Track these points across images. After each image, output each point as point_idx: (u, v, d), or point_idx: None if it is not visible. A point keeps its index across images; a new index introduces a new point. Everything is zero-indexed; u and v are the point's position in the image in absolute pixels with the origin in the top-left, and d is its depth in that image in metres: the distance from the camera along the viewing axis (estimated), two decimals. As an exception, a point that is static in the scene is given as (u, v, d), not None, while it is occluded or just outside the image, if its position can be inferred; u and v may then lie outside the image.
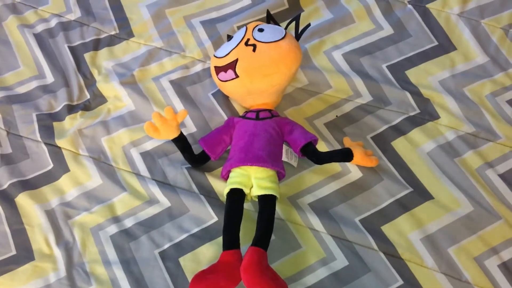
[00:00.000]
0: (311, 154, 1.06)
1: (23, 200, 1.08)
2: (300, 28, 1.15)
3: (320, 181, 1.09)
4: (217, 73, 1.11)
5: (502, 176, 1.08)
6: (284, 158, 1.08)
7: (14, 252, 1.03)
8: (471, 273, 0.97)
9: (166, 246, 1.02)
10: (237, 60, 1.07)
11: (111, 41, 1.31)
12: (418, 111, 1.18)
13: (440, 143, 1.13)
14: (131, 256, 1.02)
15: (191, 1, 1.36)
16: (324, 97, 1.21)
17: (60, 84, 1.24)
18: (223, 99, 1.21)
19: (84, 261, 1.01)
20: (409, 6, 1.33)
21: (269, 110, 1.11)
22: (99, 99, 1.23)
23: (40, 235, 1.04)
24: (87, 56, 1.28)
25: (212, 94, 1.22)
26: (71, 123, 1.18)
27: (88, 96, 1.23)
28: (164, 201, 1.07)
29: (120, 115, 1.19)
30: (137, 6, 1.36)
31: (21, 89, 1.24)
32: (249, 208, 1.06)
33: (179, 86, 1.23)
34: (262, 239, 0.96)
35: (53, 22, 1.34)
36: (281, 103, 1.19)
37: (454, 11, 1.32)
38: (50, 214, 1.07)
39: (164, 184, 1.09)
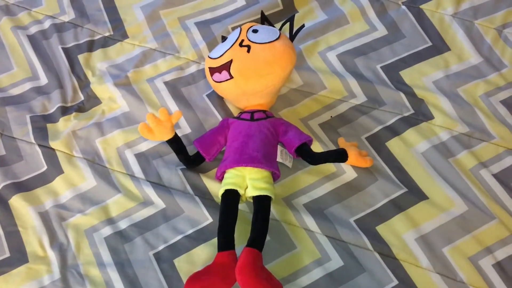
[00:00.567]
0: (306, 155, 1.06)
1: (16, 202, 1.07)
2: (295, 29, 1.15)
3: (315, 182, 1.09)
4: (212, 74, 1.11)
5: (496, 176, 1.09)
6: (278, 159, 1.08)
7: (8, 254, 1.02)
8: (465, 273, 0.97)
9: (160, 247, 1.02)
10: (231, 61, 1.07)
11: (105, 42, 1.31)
12: (412, 111, 1.18)
13: (434, 143, 1.13)
14: (126, 258, 1.01)
15: (186, 2, 1.36)
16: (318, 98, 1.21)
17: (54, 86, 1.24)
18: (218, 100, 1.21)
19: (78, 263, 1.01)
20: (403, 7, 1.34)
21: (264, 111, 1.11)
22: (93, 100, 1.22)
23: (34, 237, 1.04)
24: (81, 57, 1.28)
25: (207, 95, 1.21)
26: (65, 125, 1.18)
27: (82, 98, 1.23)
28: (158, 203, 1.07)
29: (114, 116, 1.19)
30: (131, 8, 1.36)
31: (15, 91, 1.24)
32: (244, 209, 1.06)
33: (174, 87, 1.23)
34: (257, 240, 0.95)
35: (47, 24, 1.33)
36: (276, 104, 1.19)
37: (447, 11, 1.32)
38: (44, 216, 1.06)
39: (159, 186, 1.09)
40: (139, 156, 1.13)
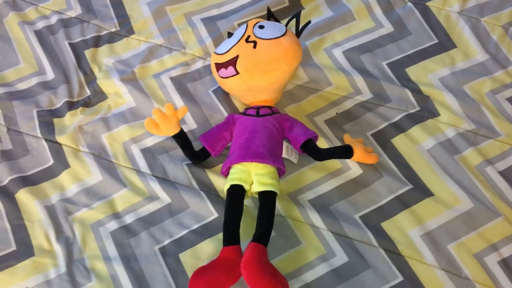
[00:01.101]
0: (312, 151, 1.06)
1: (23, 196, 1.08)
2: (301, 25, 1.16)
3: (320, 178, 1.09)
4: (218, 70, 1.11)
5: (502, 173, 1.09)
6: (284, 155, 1.08)
7: (14, 248, 1.02)
8: (471, 270, 0.97)
9: (166, 242, 1.02)
10: (237, 56, 1.07)
11: (112, 38, 1.31)
12: (418, 108, 1.18)
13: (440, 140, 1.13)
14: (131, 252, 1.02)
15: (192, -2, 1.37)
16: (324, 94, 1.21)
17: (61, 81, 1.24)
18: (224, 96, 1.21)
19: (84, 257, 1.01)
20: (409, 4, 1.34)
21: (269, 107, 1.11)
22: (99, 95, 1.23)
23: (40, 231, 1.04)
24: (87, 53, 1.28)
25: (213, 91, 1.22)
26: (71, 120, 1.18)
27: (89, 93, 1.23)
28: (164, 198, 1.07)
29: (120, 111, 1.19)
30: (138, 3, 1.36)
31: (22, 86, 1.24)
32: (249, 205, 1.06)
33: (180, 83, 1.23)
34: (262, 235, 0.96)
35: (54, 19, 1.34)
36: (281, 100, 1.19)
37: (454, 9, 1.32)
38: (50, 210, 1.07)
39: (165, 181, 1.09)
40: (145, 151, 1.14)
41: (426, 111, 1.17)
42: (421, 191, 1.07)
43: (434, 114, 1.17)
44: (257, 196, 1.02)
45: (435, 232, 1.01)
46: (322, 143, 1.12)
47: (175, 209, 1.06)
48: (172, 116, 1.02)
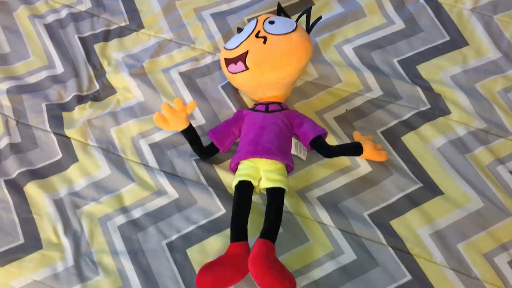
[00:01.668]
0: (321, 148, 1.05)
1: (31, 189, 1.08)
2: (311, 21, 1.15)
3: (329, 175, 1.08)
4: (227, 65, 1.11)
5: (513, 173, 1.08)
6: (293, 151, 1.07)
7: (22, 240, 1.03)
8: (480, 270, 0.96)
9: (173, 237, 1.02)
10: (247, 52, 1.07)
11: (121, 32, 1.31)
12: (429, 106, 1.17)
13: (450, 139, 1.12)
14: (139, 247, 1.01)
15: (202, -7, 1.36)
16: (334, 91, 1.20)
17: (70, 75, 1.24)
18: (233, 91, 1.20)
19: (91, 251, 1.01)
20: (421, 1, 1.32)
21: (279, 103, 1.11)
22: (108, 90, 1.23)
23: (48, 224, 1.04)
24: (97, 47, 1.28)
25: (222, 87, 1.21)
26: (80, 114, 1.18)
27: (98, 87, 1.23)
28: (172, 193, 1.07)
29: (129, 106, 1.19)
30: (148, -2, 1.36)
31: (31, 79, 1.24)
32: (257, 201, 1.05)
33: (189, 78, 1.22)
34: (270, 232, 0.95)
35: (64, 13, 1.34)
36: (291, 96, 1.18)
37: (466, 6, 1.30)
38: (59, 204, 1.07)
39: (173, 176, 1.09)
40: (153, 146, 1.13)
41: (437, 109, 1.16)
42: (431, 189, 1.06)
43: (445, 112, 1.16)
44: (265, 192, 1.02)
45: (444, 231, 1.00)
46: (331, 140, 1.11)
47: (183, 204, 1.06)
48: (181, 111, 1.02)
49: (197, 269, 0.97)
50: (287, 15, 1.18)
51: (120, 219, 1.05)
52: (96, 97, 1.22)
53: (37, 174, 1.10)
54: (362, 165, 1.09)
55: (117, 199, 1.07)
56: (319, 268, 0.97)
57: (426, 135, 1.13)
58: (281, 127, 1.06)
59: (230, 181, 1.06)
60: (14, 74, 1.25)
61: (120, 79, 1.23)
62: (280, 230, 0.99)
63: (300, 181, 1.08)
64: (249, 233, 0.97)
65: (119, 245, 1.02)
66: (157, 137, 1.15)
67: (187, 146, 1.11)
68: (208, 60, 1.25)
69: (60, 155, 1.13)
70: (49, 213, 1.06)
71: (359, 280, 0.96)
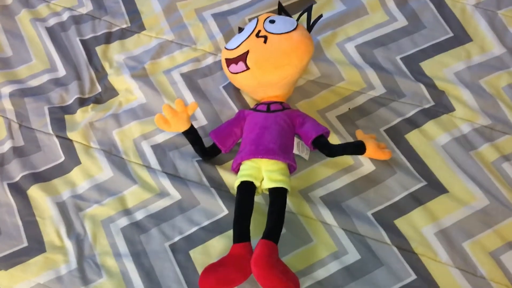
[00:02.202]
0: (323, 147, 1.04)
1: (35, 192, 1.08)
2: (312, 19, 1.14)
3: (332, 174, 1.07)
4: (228, 65, 1.10)
5: (519, 170, 1.06)
6: (295, 151, 1.07)
7: (26, 244, 1.03)
8: (486, 268, 0.95)
9: (176, 238, 1.02)
10: (248, 52, 1.06)
11: (123, 34, 1.31)
12: (432, 103, 1.15)
13: (455, 136, 1.11)
14: (142, 249, 1.01)
15: (203, -7, 1.36)
16: (336, 90, 1.20)
17: (72, 77, 1.24)
18: (234, 91, 1.20)
19: (95, 253, 1.01)
20: (424, -3, 1.31)
21: (280, 103, 1.10)
22: (110, 92, 1.23)
23: (51, 227, 1.05)
24: (98, 49, 1.28)
25: (223, 87, 1.21)
26: (82, 116, 1.18)
27: (100, 89, 1.23)
28: (174, 194, 1.07)
29: (131, 108, 1.19)
30: (149, -1, 1.36)
31: (33, 82, 1.25)
32: (260, 201, 1.05)
33: (190, 79, 1.22)
34: (272, 232, 0.95)
35: (65, 16, 1.34)
36: (293, 95, 1.17)
37: (469, 1, 1.29)
38: (62, 206, 1.07)
39: (175, 177, 1.09)
40: (156, 148, 1.13)
41: (441, 106, 1.15)
42: (435, 187, 1.05)
43: (449, 109, 1.14)
44: (267, 192, 1.01)
45: (449, 230, 0.99)
46: (334, 139, 1.10)
47: (185, 205, 1.06)
48: (182, 112, 1.02)
49: (200, 271, 0.97)
50: (288, 14, 1.17)
51: (123, 221, 1.05)
52: (98, 100, 1.22)
53: (40, 177, 1.11)
54: (365, 164, 1.08)
55: (119, 201, 1.07)
56: (322, 268, 0.97)
57: (430, 132, 1.11)
58: (283, 126, 1.05)
59: (233, 181, 1.06)
60: (16, 78, 1.25)
61: (122, 81, 1.23)
62: (283, 230, 0.99)
63: (302, 181, 1.07)
64: (252, 234, 0.96)
65: (122, 247, 1.02)
66: (159, 138, 1.14)
67: (189, 147, 1.10)
68: (209, 60, 1.25)
69: (62, 158, 1.13)
70: (52, 216, 1.06)
71: (363, 280, 0.95)
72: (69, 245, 1.02)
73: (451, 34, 1.25)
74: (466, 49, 1.23)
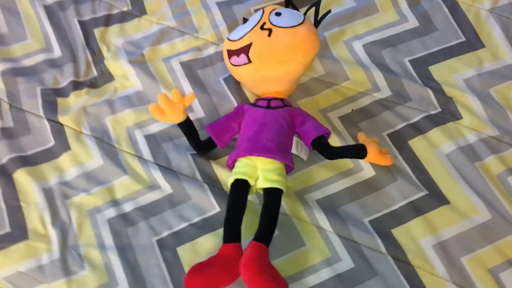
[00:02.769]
0: (323, 148, 1.00)
1: (21, 176, 1.04)
2: (320, 14, 1.09)
3: (330, 177, 1.04)
4: (229, 57, 1.06)
5: (525, 185, 1.02)
6: (293, 151, 1.03)
7: (8, 229, 0.99)
8: (484, 285, 0.91)
9: (164, 234, 0.98)
10: (250, 44, 1.02)
11: (123, 17, 1.26)
12: (439, 109, 1.11)
13: (460, 145, 1.06)
14: (128, 242, 0.98)
15: (208, -20, 1.31)
16: (340, 89, 1.15)
17: (68, 59, 1.20)
18: (235, 84, 1.15)
19: (79, 244, 0.97)
20: (437, -2, 1.26)
21: (281, 99, 1.06)
22: (106, 77, 1.18)
23: (36, 213, 1.01)
24: (97, 31, 1.24)
25: (224, 79, 1.16)
26: (75, 100, 1.14)
27: (95, 73, 1.19)
28: (165, 187, 1.03)
29: (126, 94, 1.15)
30: (152, -17, 1.31)
31: (27, 62, 1.20)
32: (254, 201, 1.01)
33: (190, 69, 1.18)
34: (264, 234, 0.91)
35: (65, -5, 1.29)
36: (295, 92, 1.13)
37: (484, 6, 1.24)
38: (48, 193, 1.03)
39: (167, 170, 1.05)
40: (149, 138, 1.09)
41: (447, 113, 1.11)
42: (436, 198, 1.01)
43: (456, 117, 1.10)
44: (262, 192, 0.97)
45: (448, 243, 0.96)
46: (334, 141, 1.06)
47: (176, 200, 1.02)
48: (179, 103, 0.98)
49: (186, 269, 0.93)
50: (295, 8, 1.13)
51: (110, 212, 1.01)
52: (93, 84, 1.17)
53: (27, 161, 1.07)
54: (365, 169, 1.04)
55: (108, 191, 1.03)
56: (314, 274, 0.93)
57: (435, 140, 1.07)
58: (283, 124, 1.01)
59: (227, 178, 1.01)
60: (10, 56, 1.21)
61: (119, 66, 1.18)
62: (276, 232, 0.95)
63: (299, 182, 1.03)
64: (243, 234, 0.93)
65: (108, 239, 0.98)
66: (154, 128, 1.10)
67: (184, 140, 1.06)
68: (211, 50, 1.21)
69: (52, 143, 1.09)
70: (38, 202, 1.02)
71: (355, 290, 0.92)
72: (52, 233, 0.98)
73: (463, 39, 1.21)
74: (478, 56, 1.18)
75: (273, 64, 1.01)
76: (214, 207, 1.00)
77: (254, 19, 1.07)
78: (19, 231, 0.99)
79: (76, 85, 1.17)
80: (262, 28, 1.03)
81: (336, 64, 1.18)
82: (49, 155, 1.08)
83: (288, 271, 0.93)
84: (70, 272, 0.94)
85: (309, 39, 1.02)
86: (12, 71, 1.18)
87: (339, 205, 1.01)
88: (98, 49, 1.22)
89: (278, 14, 1.05)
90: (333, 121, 1.11)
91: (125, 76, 1.17)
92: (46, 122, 1.11)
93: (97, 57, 1.21)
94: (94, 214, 1.01)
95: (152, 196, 1.02)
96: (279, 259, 0.94)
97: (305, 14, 1.09)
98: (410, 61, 1.18)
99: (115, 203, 1.02)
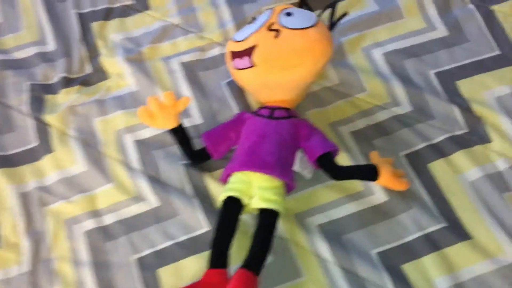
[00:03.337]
0: (328, 167, 0.89)
1: (-2, 177, 0.96)
2: (336, 17, 0.98)
3: (336, 200, 0.92)
4: (232, 59, 0.96)
5: (561, 223, 0.88)
6: (296, 168, 0.92)
7: (-21, 235, 0.91)
8: (507, 339, 0.79)
9: (146, 252, 0.89)
10: (255, 46, 0.91)
11: (124, 11, 1.18)
12: (465, 130, 0.98)
13: (488, 172, 0.93)
14: (105, 259, 0.89)
15: (219, -25, 1.21)
16: (355, 101, 1.04)
17: (61, 54, 1.12)
18: (238, 90, 1.05)
19: (51, 257, 0.89)
20: (471, 5, 1.13)
21: (287, 109, 0.95)
22: (100, 74, 1.10)
23: (9, 219, 0.93)
24: (95, 25, 1.16)
25: (227, 83, 1.07)
26: (65, 98, 1.06)
27: (89, 71, 1.11)
28: (152, 200, 0.94)
29: (120, 95, 1.06)
30: (159, -24, 1.22)
31: (19, 54, 1.13)
32: (248, 220, 0.90)
33: (191, 70, 1.08)
34: (254, 261, 0.80)
35: (65, -15, 1.21)
36: (304, 102, 1.02)
37: (525, 16, 1.11)
38: (25, 198, 0.95)
39: (155, 180, 0.95)
40: (140, 143, 1.00)
41: (475, 134, 0.98)
42: (456, 231, 0.88)
43: (485, 139, 0.97)
44: (256, 212, 0.86)
45: (467, 285, 0.83)
46: (343, 159, 0.95)
47: (162, 215, 0.92)
48: (171, 107, 0.89)
49: (165, 294, 0.83)
50: (309, 8, 1.01)
51: (89, 224, 0.92)
52: (85, 82, 1.09)
53: (7, 161, 0.99)
54: (376, 193, 0.92)
55: (89, 200, 0.95)
56: (309, 312, 0.82)
57: (459, 164, 0.95)
58: (285, 137, 0.90)
59: (220, 194, 0.91)
60: (1, 48, 1.14)
61: (114, 64, 1.10)
62: (270, 258, 0.85)
63: (300, 203, 0.92)
64: (233, 259, 0.82)
65: (83, 253, 0.90)
66: (145, 133, 1.01)
67: (178, 148, 0.96)
68: (215, 51, 1.11)
69: (35, 143, 1.01)
70: (12, 207, 0.94)
71: (355, 333, 0.80)
72: (25, 243, 0.90)
73: (497, 52, 1.07)
74: (514, 72, 1.05)
75: (279, 69, 0.90)
76: (202, 226, 0.91)
77: (262, 18, 0.96)
78: (-11, 238, 0.91)
79: (68, 82, 1.09)
80: (269, 29, 0.92)
81: (352, 73, 1.06)
82: (30, 156, 1.00)
83: (280, 305, 0.82)
84: (39, 288, 0.85)
85: (321, 43, 0.91)
86: (1, 63, 1.11)
87: (343, 233, 0.89)
88: (94, 44, 1.13)
89: (288, 14, 0.94)
90: (344, 136, 0.99)
91: (120, 75, 1.08)
92: (31, 120, 1.03)
93: (93, 53, 1.12)
94: (71, 225, 0.92)
95: (136, 209, 0.93)
96: (271, 290, 0.83)
97: (319, 16, 0.98)
98: (436, 73, 1.05)
99: (95, 213, 0.93)
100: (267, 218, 0.85)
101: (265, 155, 0.87)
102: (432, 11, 1.13)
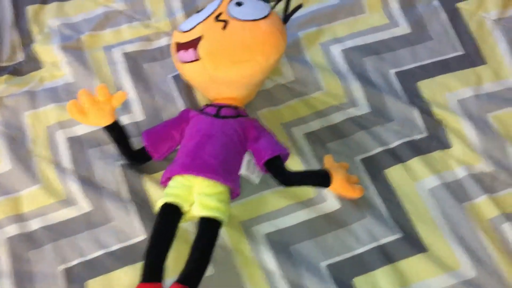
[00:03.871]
0: (277, 172, 0.82)
1: None
2: (291, 9, 0.91)
3: (285, 207, 0.85)
4: (178, 51, 0.87)
5: (523, 235, 0.84)
6: (243, 171, 0.84)
7: None
8: None
9: (74, 262, 0.82)
10: (200, 37, 0.83)
11: (65, -5, 1.08)
12: (425, 134, 0.93)
13: (446, 180, 0.88)
14: (28, 270, 0.81)
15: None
16: (310, 100, 0.97)
17: (-10, 39, 1.02)
18: (185, 85, 0.97)
19: (-34, 267, 0.80)
20: (436, 1, 1.07)
21: (235, 107, 0.87)
22: (33, 63, 1.01)
23: None
24: (30, 9, 1.06)
25: (173, 77, 0.98)
26: (-9, 88, 0.96)
27: (21, 59, 1.01)
28: (83, 204, 0.85)
29: (53, 86, 0.97)
30: (105, -43, 1.13)
31: None
32: (189, 228, 0.83)
33: (134, 61, 1.00)
34: (191, 275, 0.73)
35: (0, -36, 1.10)
36: (255, 100, 0.95)
37: (491, 15, 1.05)
38: None
39: (88, 182, 0.87)
40: (73, 141, 0.91)
41: (434, 139, 0.92)
42: (412, 243, 0.82)
43: (445, 145, 0.92)
44: (197, 220, 0.79)
45: (421, 302, 0.77)
46: (295, 162, 0.88)
47: (94, 220, 0.85)
48: (104, 102, 0.81)
49: (92, 310, 0.75)
50: (266, 0, 0.94)
51: (12, 229, 0.84)
52: (16, 71, 1.00)
53: None
54: (328, 200, 0.86)
55: (13, 202, 0.87)
56: (250, 329, 0.75)
57: (417, 171, 0.89)
58: (232, 138, 0.82)
59: (160, 199, 0.83)
60: None
61: (49, 52, 1.01)
62: (211, 270, 0.79)
63: (247, 210, 0.85)
64: (171, 271, 0.75)
65: (4, 263, 0.82)
66: (80, 130, 0.93)
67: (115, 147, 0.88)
68: (163, 42, 1.02)
69: (-46, 138, 0.91)
70: None
71: None
72: None
73: (461, 52, 1.02)
74: (477, 73, 0.99)
75: (226, 64, 0.82)
76: (138, 234, 0.83)
77: (210, 7, 0.88)
78: None
79: (-4, 70, 0.99)
80: (217, 19, 0.84)
81: (309, 70, 0.99)
82: None
83: (219, 323, 0.75)
84: None
85: (272, 37, 0.83)
86: None
87: (292, 243, 0.83)
88: (28, 30, 1.03)
89: (239, 4, 0.86)
90: (298, 138, 0.92)
91: (55, 64, 0.99)
92: (-50, 113, 0.93)
93: (26, 40, 1.03)
94: (-9, 231, 0.83)
95: (65, 213, 0.85)
96: (209, 307, 0.76)
97: (273, 7, 0.90)
98: (396, 73, 0.99)
99: (19, 218, 0.85)
100: (208, 227, 0.77)
101: (209, 157, 0.80)
102: (394, 6, 1.06)
